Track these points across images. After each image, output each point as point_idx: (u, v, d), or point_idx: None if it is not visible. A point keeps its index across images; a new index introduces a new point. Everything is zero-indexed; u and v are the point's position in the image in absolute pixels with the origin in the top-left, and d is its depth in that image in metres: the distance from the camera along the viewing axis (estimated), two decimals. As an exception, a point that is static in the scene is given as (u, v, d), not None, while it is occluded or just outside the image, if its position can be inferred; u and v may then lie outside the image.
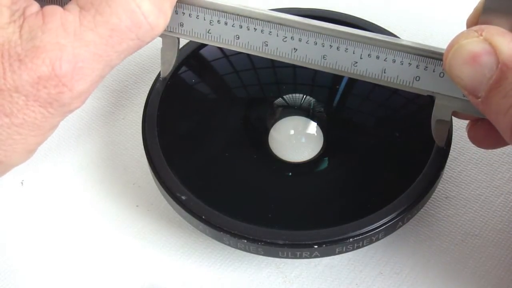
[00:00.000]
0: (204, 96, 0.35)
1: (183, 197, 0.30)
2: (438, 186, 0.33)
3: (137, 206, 0.34)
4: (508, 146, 0.35)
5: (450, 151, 0.31)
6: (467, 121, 0.30)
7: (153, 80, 0.34)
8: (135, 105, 0.38)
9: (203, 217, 0.29)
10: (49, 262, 0.32)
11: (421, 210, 0.32)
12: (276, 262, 0.32)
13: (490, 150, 0.35)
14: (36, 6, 0.26)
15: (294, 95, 0.35)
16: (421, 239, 0.32)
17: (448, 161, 0.30)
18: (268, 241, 0.29)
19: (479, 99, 0.25)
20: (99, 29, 0.25)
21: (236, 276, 0.32)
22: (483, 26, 0.25)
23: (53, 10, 0.26)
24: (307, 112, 0.34)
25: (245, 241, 0.29)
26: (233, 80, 0.35)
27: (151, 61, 0.32)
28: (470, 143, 0.35)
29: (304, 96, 0.35)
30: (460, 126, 0.35)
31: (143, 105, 0.34)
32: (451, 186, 0.34)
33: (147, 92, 0.34)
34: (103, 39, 0.26)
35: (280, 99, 0.35)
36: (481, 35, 0.25)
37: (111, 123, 0.38)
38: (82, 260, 0.33)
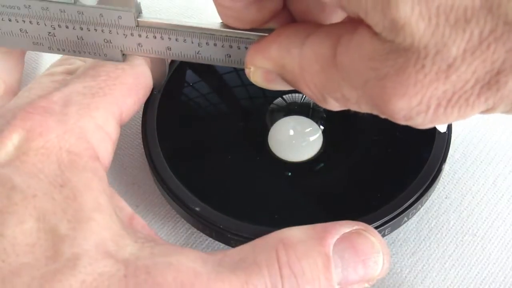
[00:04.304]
0: (203, 96, 0.35)
1: (185, 199, 0.30)
2: (438, 187, 0.33)
3: (137, 206, 0.34)
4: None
5: (453, 152, 0.31)
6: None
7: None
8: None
9: (212, 222, 0.29)
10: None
11: (421, 210, 0.32)
12: (276, 262, 0.32)
13: (493, 153, 0.35)
14: None
15: (293, 94, 0.35)
16: (421, 239, 0.32)
17: (449, 162, 0.30)
18: None
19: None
20: None
21: (236, 276, 0.32)
22: (248, 59, 0.25)
23: None
24: (307, 112, 0.34)
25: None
26: (232, 80, 0.35)
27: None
28: (473, 145, 0.35)
29: (304, 96, 0.34)
30: (462, 129, 0.35)
31: (143, 105, 0.33)
32: (451, 186, 0.34)
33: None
34: None
35: (279, 99, 0.35)
36: (249, 67, 0.25)
37: (110, 123, 0.38)
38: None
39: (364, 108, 0.23)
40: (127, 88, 0.29)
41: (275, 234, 0.25)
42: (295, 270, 0.24)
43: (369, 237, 0.25)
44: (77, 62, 0.31)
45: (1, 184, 0.24)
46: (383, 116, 0.22)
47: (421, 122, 0.21)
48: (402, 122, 0.21)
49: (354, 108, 0.23)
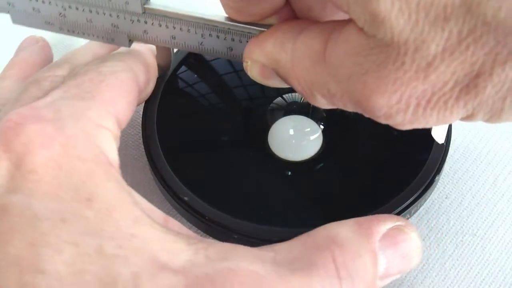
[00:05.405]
0: (203, 95, 0.35)
1: (186, 198, 0.30)
2: (438, 187, 0.33)
3: (137, 205, 0.34)
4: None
5: (453, 152, 0.31)
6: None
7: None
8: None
9: (206, 217, 0.29)
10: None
11: (421, 210, 0.32)
12: (276, 261, 0.32)
13: (493, 153, 0.35)
14: None
15: (293, 94, 0.35)
16: (421, 239, 0.32)
17: (449, 162, 0.30)
18: (271, 240, 0.29)
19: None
20: None
21: (236, 276, 0.32)
22: (246, 52, 0.25)
23: None
24: (307, 111, 0.34)
25: (252, 240, 0.29)
26: (233, 79, 0.35)
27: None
28: (473, 144, 0.35)
29: (304, 95, 0.35)
30: (462, 129, 0.35)
31: (143, 104, 0.34)
32: (451, 186, 0.34)
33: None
34: None
35: (279, 98, 0.35)
36: (246, 61, 0.25)
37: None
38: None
39: (348, 106, 0.23)
40: (116, 89, 0.27)
41: (323, 232, 0.25)
42: (351, 271, 0.24)
43: (409, 233, 0.26)
44: (63, 70, 0.30)
45: (21, 215, 0.21)
46: (366, 115, 0.22)
47: (401, 122, 0.21)
48: (383, 120, 0.22)
49: (339, 105, 0.23)
